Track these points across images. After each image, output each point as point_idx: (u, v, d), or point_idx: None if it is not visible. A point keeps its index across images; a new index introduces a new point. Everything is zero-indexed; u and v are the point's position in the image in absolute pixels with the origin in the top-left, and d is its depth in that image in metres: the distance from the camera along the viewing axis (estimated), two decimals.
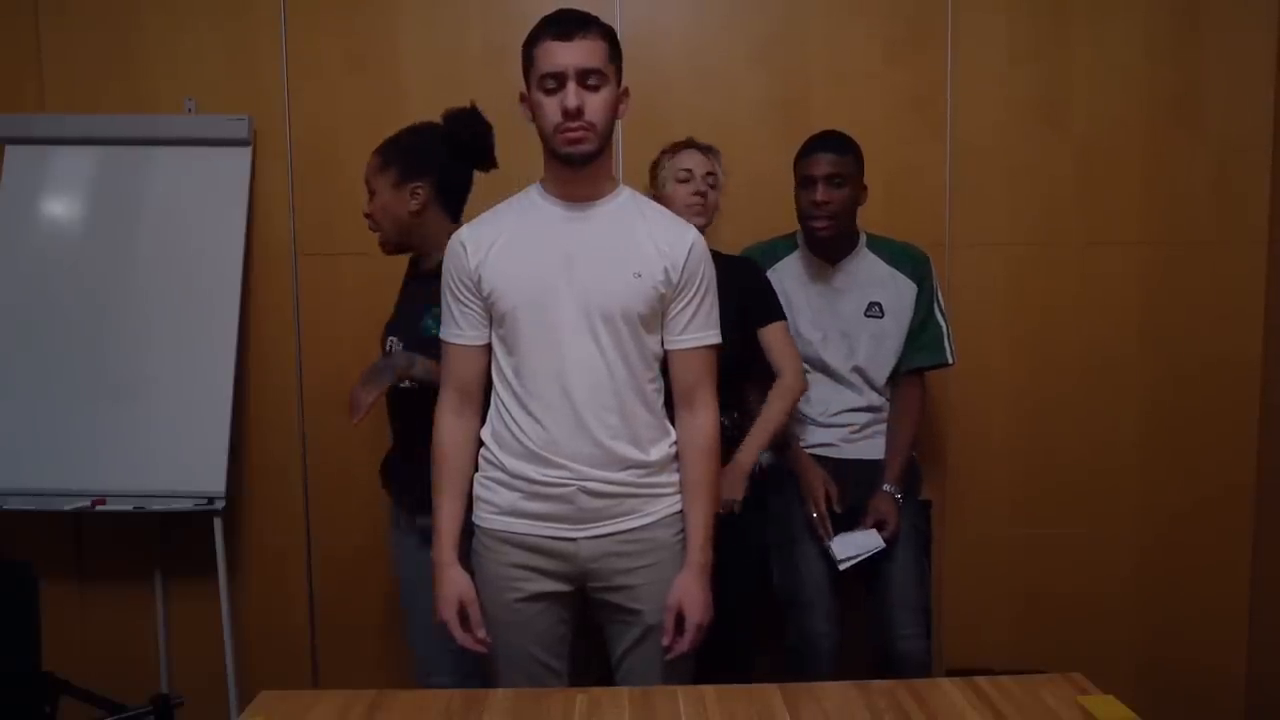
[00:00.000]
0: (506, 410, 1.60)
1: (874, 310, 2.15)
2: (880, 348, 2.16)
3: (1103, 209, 2.42)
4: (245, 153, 2.36)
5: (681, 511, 1.63)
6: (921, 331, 2.17)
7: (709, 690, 1.33)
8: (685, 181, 2.06)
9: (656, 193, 2.07)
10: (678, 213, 2.03)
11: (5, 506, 2.24)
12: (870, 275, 2.17)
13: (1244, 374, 2.45)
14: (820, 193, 2.07)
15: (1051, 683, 1.33)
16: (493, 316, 1.60)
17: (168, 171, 2.35)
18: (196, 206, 2.35)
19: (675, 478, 1.63)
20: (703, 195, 2.04)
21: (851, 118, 2.33)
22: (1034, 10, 2.38)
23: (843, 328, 2.16)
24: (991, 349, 2.44)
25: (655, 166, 2.12)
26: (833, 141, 2.11)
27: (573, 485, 1.56)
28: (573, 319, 1.53)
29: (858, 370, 2.16)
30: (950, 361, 2.18)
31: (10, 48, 2.39)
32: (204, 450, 2.25)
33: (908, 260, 2.18)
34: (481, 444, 1.66)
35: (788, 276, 2.20)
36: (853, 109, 2.36)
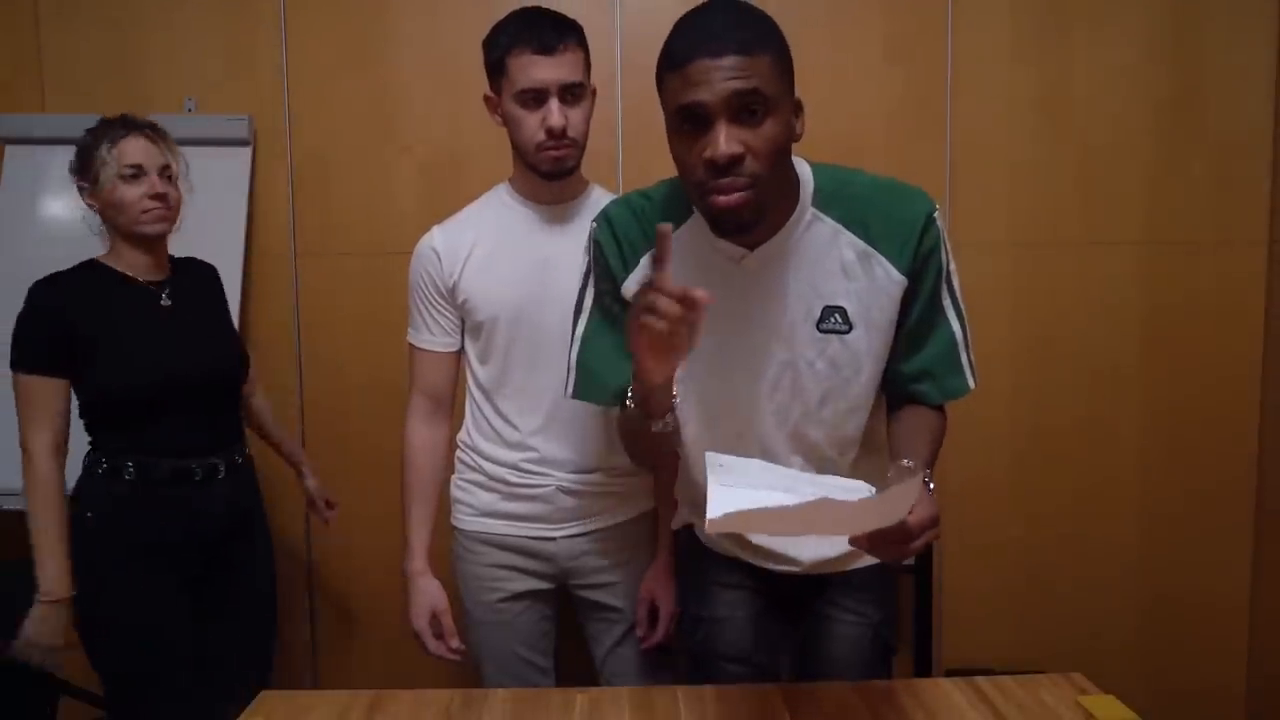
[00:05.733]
0: (483, 415, 1.60)
1: (833, 321, 1.25)
2: (849, 385, 1.29)
3: (1103, 209, 2.42)
4: (245, 153, 2.36)
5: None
6: (919, 342, 1.29)
7: (709, 690, 1.33)
8: None
9: None
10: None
11: (5, 506, 2.24)
12: (820, 259, 1.25)
13: (1244, 374, 2.45)
14: (723, 141, 1.09)
15: (1051, 683, 1.33)
16: (466, 323, 1.59)
17: None
18: (196, 206, 2.34)
19: (651, 477, 1.64)
20: None
21: (851, 117, 2.33)
22: (1034, 10, 2.37)
23: (775, 355, 1.28)
24: (991, 349, 2.44)
25: None
26: (730, 26, 1.11)
27: (550, 486, 1.57)
28: (551, 328, 1.52)
29: (813, 428, 1.31)
30: (971, 386, 1.32)
31: (10, 48, 2.39)
32: None
33: (890, 221, 1.24)
34: (457, 447, 1.66)
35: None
36: (853, 109, 2.36)
